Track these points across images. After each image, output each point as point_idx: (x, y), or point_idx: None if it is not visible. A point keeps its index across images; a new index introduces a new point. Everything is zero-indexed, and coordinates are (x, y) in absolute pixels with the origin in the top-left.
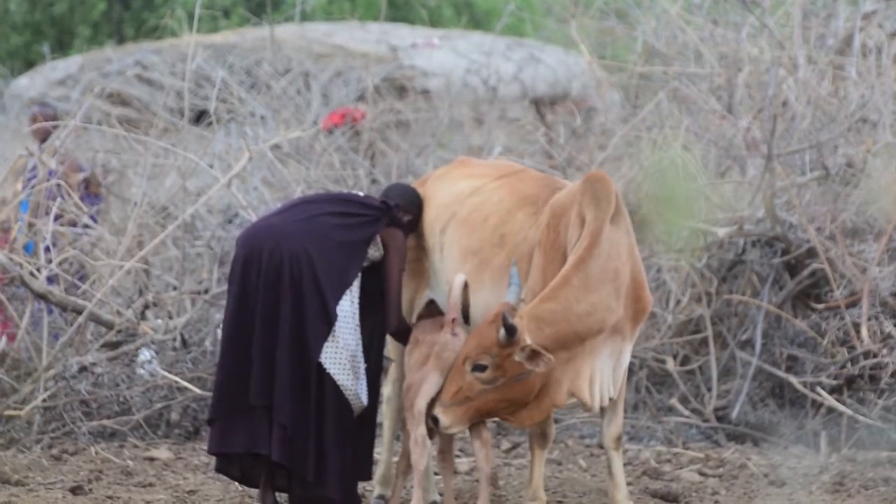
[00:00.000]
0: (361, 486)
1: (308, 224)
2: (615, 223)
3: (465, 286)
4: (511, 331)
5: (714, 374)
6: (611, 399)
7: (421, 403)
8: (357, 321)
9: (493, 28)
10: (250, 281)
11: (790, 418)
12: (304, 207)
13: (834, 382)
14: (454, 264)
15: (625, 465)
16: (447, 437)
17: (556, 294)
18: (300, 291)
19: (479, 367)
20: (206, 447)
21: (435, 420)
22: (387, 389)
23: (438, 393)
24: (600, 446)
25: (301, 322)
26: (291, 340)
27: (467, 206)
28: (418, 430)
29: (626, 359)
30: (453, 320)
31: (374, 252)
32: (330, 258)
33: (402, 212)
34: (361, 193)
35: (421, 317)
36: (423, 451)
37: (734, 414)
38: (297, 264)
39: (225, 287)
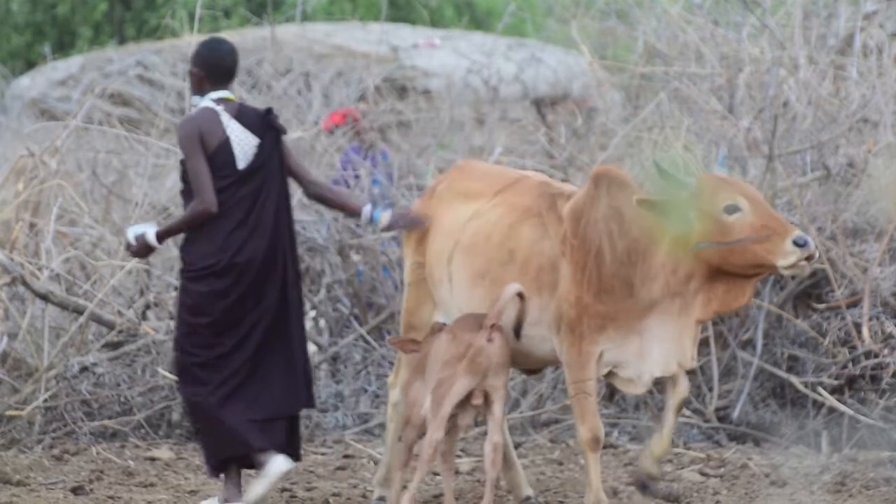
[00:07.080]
0: (362, 487)
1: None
2: None
3: (521, 297)
4: None
5: (715, 374)
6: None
7: (447, 408)
8: None
9: (494, 28)
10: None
11: (791, 418)
12: (267, 212)
13: (835, 382)
14: (465, 291)
15: (626, 465)
16: (449, 438)
17: None
18: (286, 285)
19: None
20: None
21: None
22: (394, 393)
23: (466, 398)
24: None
25: (298, 309)
26: (298, 329)
27: (468, 231)
28: (436, 434)
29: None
30: (493, 326)
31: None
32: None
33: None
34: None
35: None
36: (434, 454)
37: (735, 414)
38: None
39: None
